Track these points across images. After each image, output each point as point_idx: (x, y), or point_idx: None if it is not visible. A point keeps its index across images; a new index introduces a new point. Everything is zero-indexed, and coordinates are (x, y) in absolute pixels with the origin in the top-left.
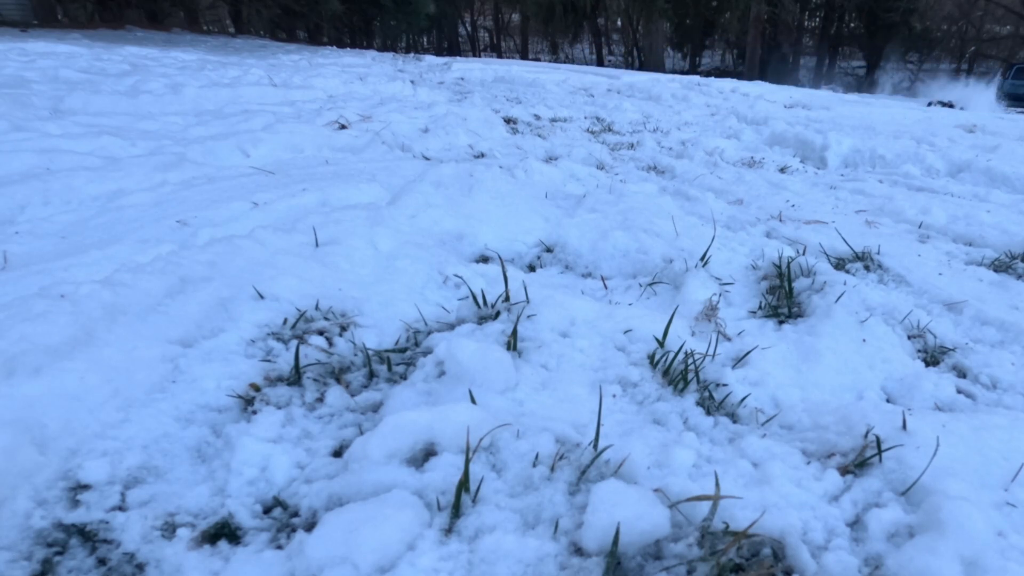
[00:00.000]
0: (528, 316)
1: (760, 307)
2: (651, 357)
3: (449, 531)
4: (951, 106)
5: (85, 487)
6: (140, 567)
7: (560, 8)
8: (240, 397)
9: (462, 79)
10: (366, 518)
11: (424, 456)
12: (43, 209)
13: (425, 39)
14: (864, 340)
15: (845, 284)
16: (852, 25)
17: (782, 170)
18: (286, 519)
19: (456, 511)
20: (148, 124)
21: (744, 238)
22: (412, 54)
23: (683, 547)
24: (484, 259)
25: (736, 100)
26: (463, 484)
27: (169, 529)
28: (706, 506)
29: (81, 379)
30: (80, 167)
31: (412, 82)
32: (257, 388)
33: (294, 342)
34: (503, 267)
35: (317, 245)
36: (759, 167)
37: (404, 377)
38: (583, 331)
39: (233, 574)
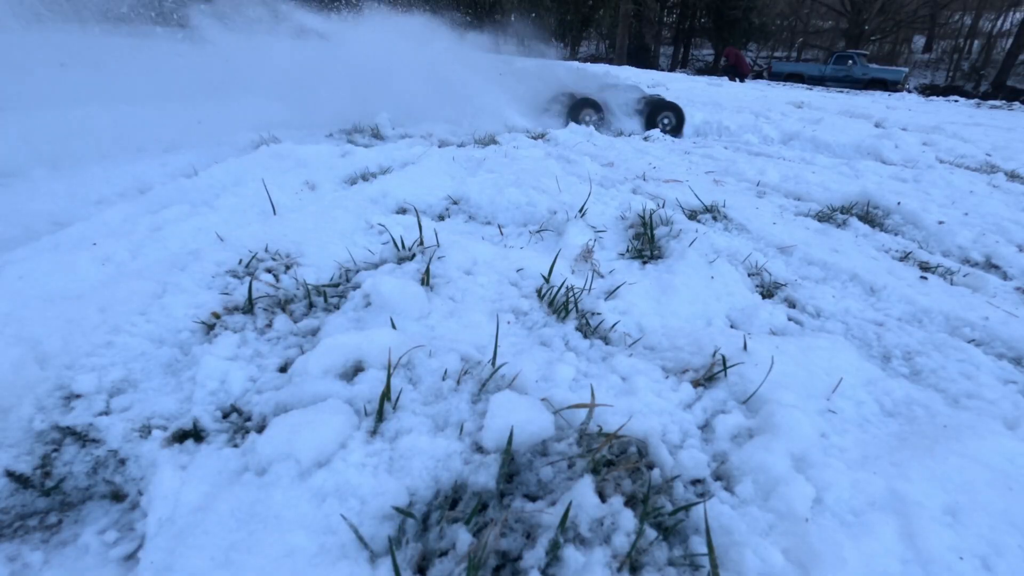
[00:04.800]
0: (438, 257)
1: (627, 250)
2: (539, 291)
3: (374, 433)
4: None
5: (77, 396)
6: (122, 461)
7: (463, 5)
8: (204, 323)
9: None
10: (306, 422)
11: (354, 371)
12: None
13: None
14: (712, 277)
15: (697, 231)
16: (702, 20)
17: (645, 139)
18: (241, 423)
19: (380, 416)
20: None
21: (615, 194)
22: None
23: (565, 446)
24: (402, 211)
25: (608, 81)
26: (385, 394)
27: (145, 430)
28: (584, 412)
29: (77, 307)
30: None
31: None
32: (218, 316)
33: (247, 278)
34: (418, 217)
35: (269, 198)
36: (626, 136)
37: (337, 307)
38: (483, 269)
39: (198, 467)
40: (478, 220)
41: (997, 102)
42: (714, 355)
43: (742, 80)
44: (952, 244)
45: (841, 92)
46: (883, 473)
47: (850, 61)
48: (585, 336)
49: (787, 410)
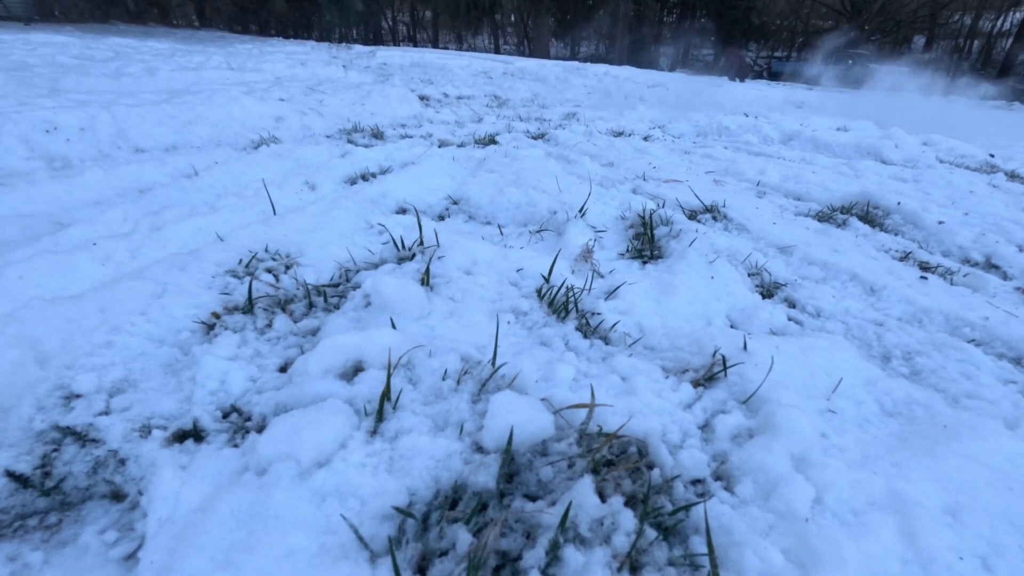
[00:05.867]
0: (438, 257)
1: (628, 250)
2: (539, 291)
3: (374, 433)
4: None
5: (77, 396)
6: (122, 461)
7: (464, 5)
8: (204, 323)
9: (385, 64)
10: (306, 422)
11: (354, 371)
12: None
13: (354, 31)
14: (712, 277)
15: (697, 231)
16: (702, 20)
17: (645, 138)
18: (241, 423)
19: (380, 416)
20: (129, 100)
21: (615, 194)
22: (344, 44)
23: (565, 446)
24: (403, 211)
25: (608, 81)
26: (385, 394)
27: (145, 430)
28: (584, 412)
29: (77, 307)
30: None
31: (344, 66)
32: (217, 316)
33: (247, 278)
34: (418, 217)
35: (269, 198)
36: (626, 136)
37: (337, 307)
38: (483, 269)
39: (198, 467)
40: (478, 220)
41: (997, 102)
42: (714, 355)
43: (742, 80)
44: (952, 244)
45: (841, 92)
46: (883, 473)
47: (850, 61)
48: (585, 336)
49: (787, 410)
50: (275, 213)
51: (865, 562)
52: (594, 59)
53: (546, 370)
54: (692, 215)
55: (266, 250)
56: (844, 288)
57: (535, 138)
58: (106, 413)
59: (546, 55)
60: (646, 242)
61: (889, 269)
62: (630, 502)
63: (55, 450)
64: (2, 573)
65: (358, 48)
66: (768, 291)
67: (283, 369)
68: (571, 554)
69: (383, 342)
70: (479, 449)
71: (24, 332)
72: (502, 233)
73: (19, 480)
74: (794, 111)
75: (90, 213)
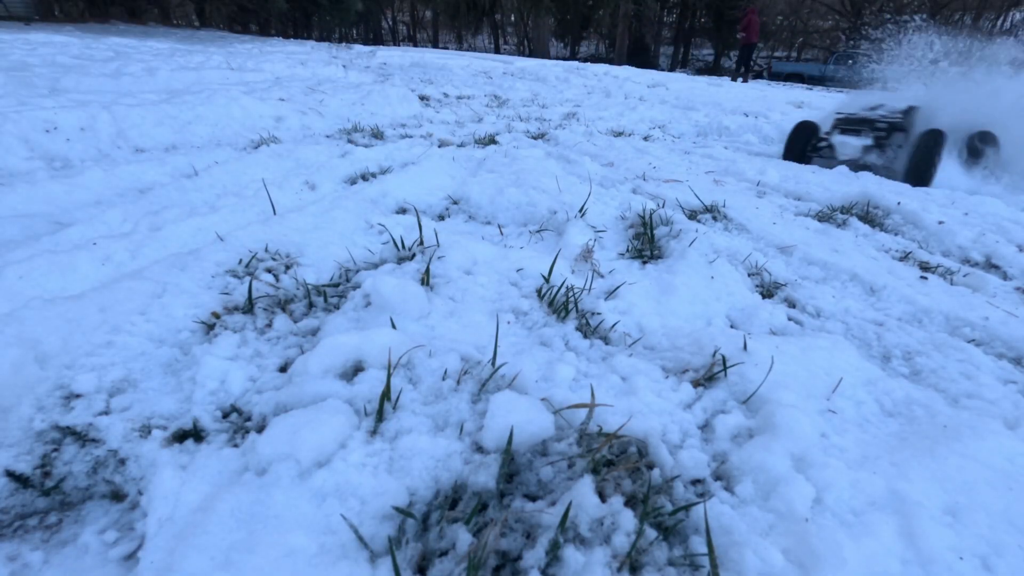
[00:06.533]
0: (438, 257)
1: (628, 250)
2: (539, 291)
3: (374, 433)
4: None
5: (77, 396)
6: (122, 461)
7: (464, 5)
8: (204, 323)
9: (385, 64)
10: (306, 422)
11: (354, 371)
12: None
13: (354, 31)
14: (712, 277)
15: (697, 231)
16: (702, 20)
17: (645, 138)
18: (241, 423)
19: (380, 416)
20: (128, 100)
21: (615, 194)
22: (344, 44)
23: (565, 446)
24: (403, 211)
25: (608, 81)
26: (385, 394)
27: (145, 430)
28: (584, 412)
29: (77, 307)
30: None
31: (344, 66)
32: (217, 316)
33: (247, 278)
34: (418, 217)
35: (269, 198)
36: (626, 136)
37: (337, 307)
38: (483, 269)
39: (198, 467)
40: (478, 220)
41: None
42: (714, 355)
43: (744, 81)
44: (952, 244)
45: (841, 92)
46: (883, 473)
47: (850, 61)
48: (585, 336)
49: (787, 410)
50: (275, 213)
51: (865, 562)
52: (594, 59)
53: (546, 370)
54: (692, 215)
55: (266, 250)
56: (844, 288)
57: (535, 138)
58: (106, 413)
59: (546, 55)
60: (646, 242)
61: (889, 269)
62: (630, 502)
63: (55, 450)
64: (2, 573)
65: (358, 48)
66: (768, 291)
67: (283, 369)
68: (571, 554)
69: (383, 342)
70: (479, 449)
71: (24, 332)
72: (502, 233)
73: (19, 480)
74: (794, 111)
75: (90, 213)
